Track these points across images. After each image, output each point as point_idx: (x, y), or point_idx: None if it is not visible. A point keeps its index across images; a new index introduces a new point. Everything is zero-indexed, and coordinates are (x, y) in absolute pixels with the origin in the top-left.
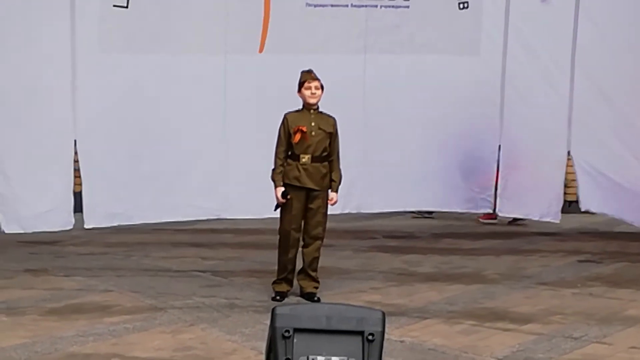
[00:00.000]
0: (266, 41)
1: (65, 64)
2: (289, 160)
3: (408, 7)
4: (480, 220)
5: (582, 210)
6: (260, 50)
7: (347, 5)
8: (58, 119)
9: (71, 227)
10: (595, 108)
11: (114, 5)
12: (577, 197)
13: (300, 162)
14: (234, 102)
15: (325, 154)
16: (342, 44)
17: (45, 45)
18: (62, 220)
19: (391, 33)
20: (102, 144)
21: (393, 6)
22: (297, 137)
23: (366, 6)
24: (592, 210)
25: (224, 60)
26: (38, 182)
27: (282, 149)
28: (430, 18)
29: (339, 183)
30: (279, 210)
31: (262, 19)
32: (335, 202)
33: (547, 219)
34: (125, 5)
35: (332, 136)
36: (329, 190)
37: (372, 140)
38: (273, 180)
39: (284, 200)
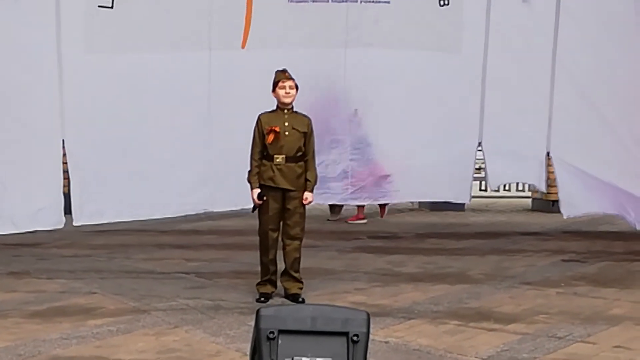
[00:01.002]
0: (250, 37)
1: (52, 65)
2: (264, 161)
3: (388, 2)
4: (349, 221)
5: (565, 217)
6: (243, 46)
7: (327, 0)
8: (46, 119)
9: (62, 225)
10: (576, 107)
11: (99, 6)
12: (559, 202)
13: (275, 163)
14: (219, 97)
15: (299, 154)
16: (323, 38)
17: (32, 47)
18: (53, 219)
19: (372, 28)
20: (90, 142)
21: (373, 1)
22: (271, 137)
23: (347, 1)
24: (574, 215)
25: (208, 57)
26: (29, 183)
27: (257, 150)
28: (410, 14)
29: (315, 183)
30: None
31: (245, 14)
32: (310, 202)
33: (536, 186)
34: (110, 5)
35: (307, 136)
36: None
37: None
38: (249, 181)
39: (260, 202)
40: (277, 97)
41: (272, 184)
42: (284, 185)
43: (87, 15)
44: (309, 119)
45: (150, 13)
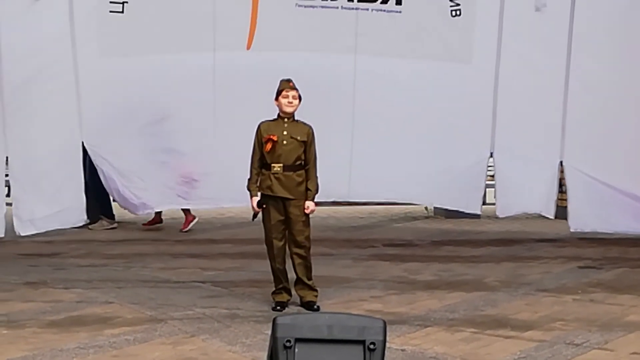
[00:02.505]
0: (257, 39)
1: (68, 70)
2: (263, 170)
3: (400, 12)
4: (144, 225)
5: (572, 230)
6: (248, 47)
7: (337, 7)
8: (64, 122)
9: (83, 223)
10: (590, 116)
11: (111, 11)
12: (568, 214)
13: (272, 172)
14: (224, 98)
15: (298, 162)
16: (332, 43)
17: (48, 53)
18: (74, 218)
19: (382, 36)
20: (109, 143)
21: (385, 10)
22: (268, 146)
23: (357, 9)
24: (581, 230)
25: (212, 58)
26: (50, 185)
27: (257, 158)
28: (422, 24)
29: (316, 192)
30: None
31: (250, 16)
32: (312, 211)
33: (543, 214)
34: (121, 10)
35: (307, 145)
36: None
37: (360, 135)
38: (249, 189)
39: (258, 210)
40: (280, 105)
41: (270, 193)
42: (282, 194)
43: (100, 20)
44: (309, 127)
45: (158, 16)
